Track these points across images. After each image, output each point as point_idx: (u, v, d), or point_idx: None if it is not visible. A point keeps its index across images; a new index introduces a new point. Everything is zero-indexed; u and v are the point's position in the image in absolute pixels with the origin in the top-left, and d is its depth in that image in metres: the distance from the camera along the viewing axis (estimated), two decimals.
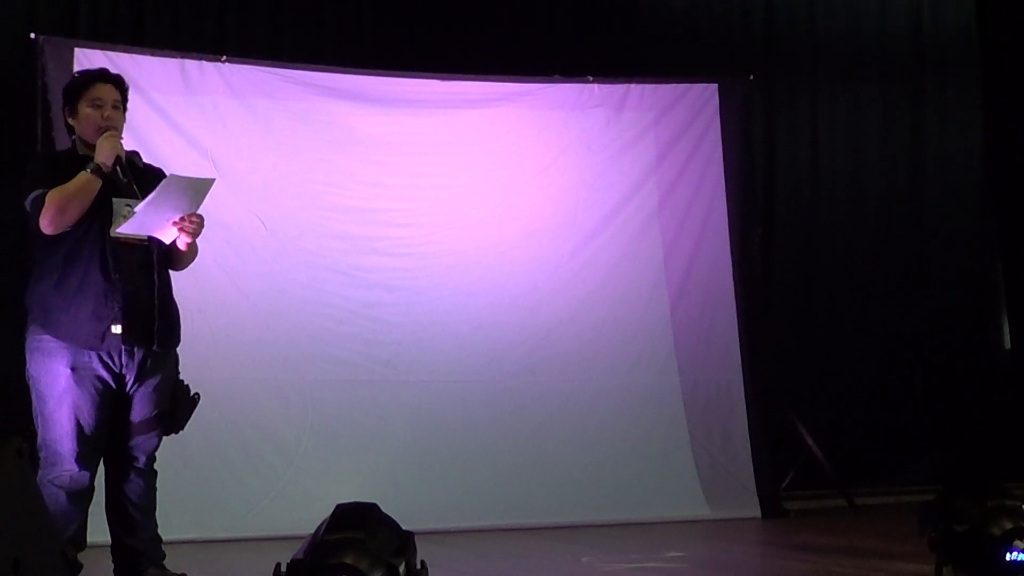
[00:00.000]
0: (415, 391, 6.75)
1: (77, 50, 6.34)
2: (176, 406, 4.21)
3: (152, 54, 6.57)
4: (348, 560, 2.79)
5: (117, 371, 4.06)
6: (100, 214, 4.03)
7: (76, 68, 6.27)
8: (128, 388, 4.11)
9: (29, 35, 6.26)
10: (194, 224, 4.10)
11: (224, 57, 6.73)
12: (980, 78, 8.82)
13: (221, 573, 5.17)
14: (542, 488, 6.74)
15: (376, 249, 6.87)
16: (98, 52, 6.39)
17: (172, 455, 6.18)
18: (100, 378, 4.03)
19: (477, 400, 6.84)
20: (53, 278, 4.05)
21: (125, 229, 4.03)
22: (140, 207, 4.01)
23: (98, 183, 4.00)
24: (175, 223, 4.06)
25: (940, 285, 8.61)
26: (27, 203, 4.06)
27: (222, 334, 6.45)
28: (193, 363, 6.35)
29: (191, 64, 6.61)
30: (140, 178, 4.16)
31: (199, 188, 4.08)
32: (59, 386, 4.00)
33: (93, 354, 4.01)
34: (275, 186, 6.74)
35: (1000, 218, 8.80)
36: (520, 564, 5.35)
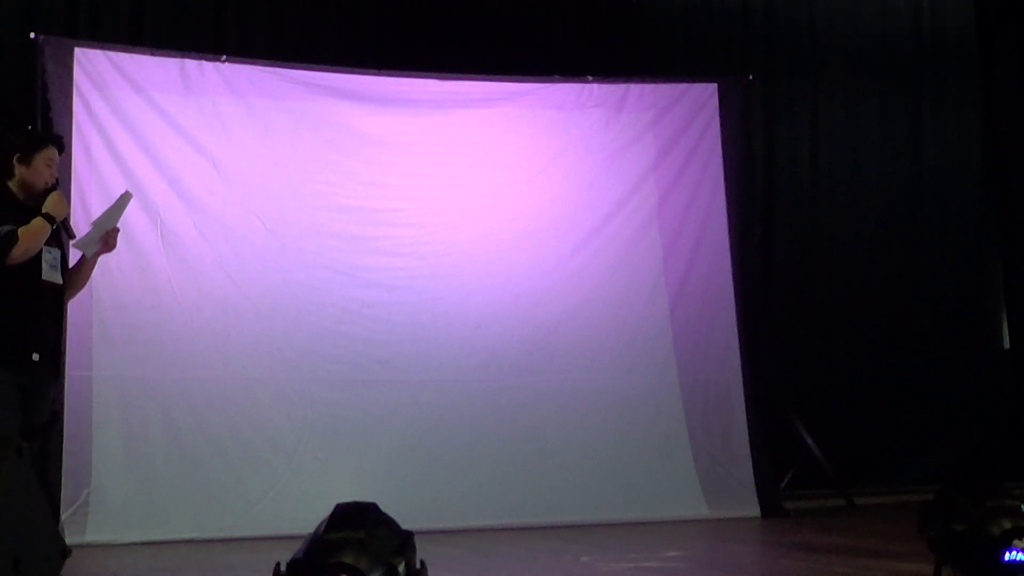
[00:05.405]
0: (415, 391, 6.74)
1: (77, 49, 6.34)
2: (48, 425, 4.47)
3: (152, 54, 6.58)
4: (347, 559, 2.79)
5: (26, 385, 4.27)
6: (34, 258, 4.33)
7: (76, 68, 6.29)
8: (28, 400, 4.33)
9: (29, 35, 6.26)
10: (115, 238, 4.57)
11: (224, 57, 6.73)
12: (980, 78, 8.82)
13: (220, 573, 5.16)
14: (542, 488, 6.74)
15: (376, 249, 6.87)
16: (98, 52, 6.40)
17: (172, 455, 6.23)
18: (15, 388, 4.24)
19: (477, 400, 6.83)
20: None
21: (75, 246, 4.51)
22: (96, 222, 4.51)
23: (50, 229, 4.33)
24: (103, 236, 4.52)
25: (940, 285, 8.61)
26: None
27: (222, 333, 6.46)
28: (193, 362, 6.43)
29: (191, 64, 6.61)
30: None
31: (125, 204, 4.58)
32: None
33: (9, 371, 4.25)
34: (275, 186, 6.74)
35: (999, 218, 8.81)
36: (520, 564, 5.34)
